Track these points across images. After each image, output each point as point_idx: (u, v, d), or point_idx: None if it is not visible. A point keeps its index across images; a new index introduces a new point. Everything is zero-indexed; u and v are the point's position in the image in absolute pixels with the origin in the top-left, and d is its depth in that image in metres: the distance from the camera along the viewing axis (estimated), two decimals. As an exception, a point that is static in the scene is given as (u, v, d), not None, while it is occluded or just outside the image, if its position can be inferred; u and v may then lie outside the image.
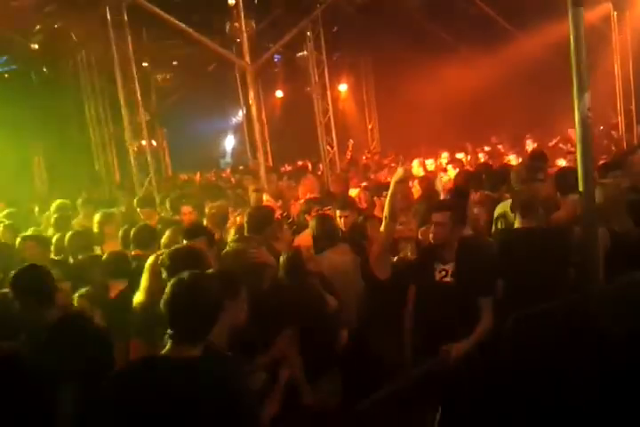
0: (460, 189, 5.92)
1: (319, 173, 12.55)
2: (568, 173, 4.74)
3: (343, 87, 17.69)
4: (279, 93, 17.75)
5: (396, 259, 4.66)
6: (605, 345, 2.29)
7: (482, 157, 10.62)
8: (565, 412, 2.37)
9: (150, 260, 3.74)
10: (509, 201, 4.80)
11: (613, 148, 10.24)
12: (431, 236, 3.70)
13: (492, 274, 3.71)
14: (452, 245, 3.64)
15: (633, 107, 12.76)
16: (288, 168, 14.03)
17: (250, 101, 10.82)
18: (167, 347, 2.33)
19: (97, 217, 6.32)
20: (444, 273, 3.62)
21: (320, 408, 3.30)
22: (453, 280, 3.57)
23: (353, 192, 8.07)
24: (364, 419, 2.91)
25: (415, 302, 3.81)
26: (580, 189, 3.15)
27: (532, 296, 3.70)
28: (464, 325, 3.49)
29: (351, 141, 16.33)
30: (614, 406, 2.28)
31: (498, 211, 5.12)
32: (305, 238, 5.17)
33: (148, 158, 10.93)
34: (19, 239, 5.66)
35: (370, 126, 19.13)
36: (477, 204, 5.57)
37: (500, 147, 11.49)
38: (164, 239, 4.85)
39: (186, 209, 6.85)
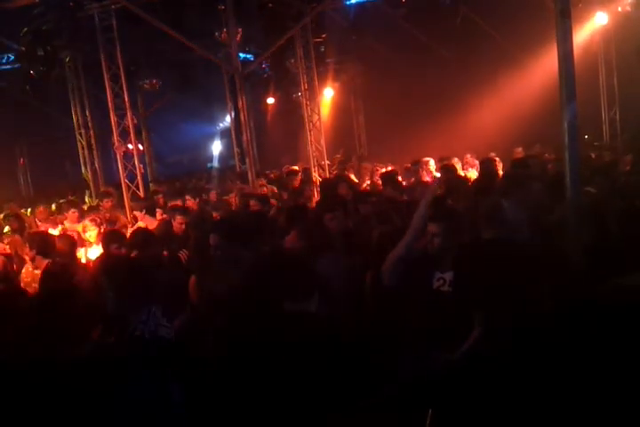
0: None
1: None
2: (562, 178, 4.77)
3: (331, 93, 17.75)
4: (269, 100, 17.76)
5: None
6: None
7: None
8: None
9: None
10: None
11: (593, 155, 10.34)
12: (429, 246, 3.68)
13: (490, 284, 3.71)
14: (451, 254, 3.64)
15: (617, 116, 12.96)
16: (272, 174, 13.96)
17: (239, 107, 10.82)
18: None
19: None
20: (442, 282, 3.61)
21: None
22: (451, 289, 3.57)
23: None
24: (357, 420, 2.92)
25: (413, 310, 3.79)
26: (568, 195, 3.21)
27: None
28: (461, 334, 3.48)
29: (339, 154, 16.33)
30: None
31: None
32: (290, 240, 5.18)
33: (136, 163, 10.89)
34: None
35: (358, 133, 19.21)
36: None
37: (492, 154, 11.57)
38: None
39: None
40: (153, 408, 3.08)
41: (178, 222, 6.65)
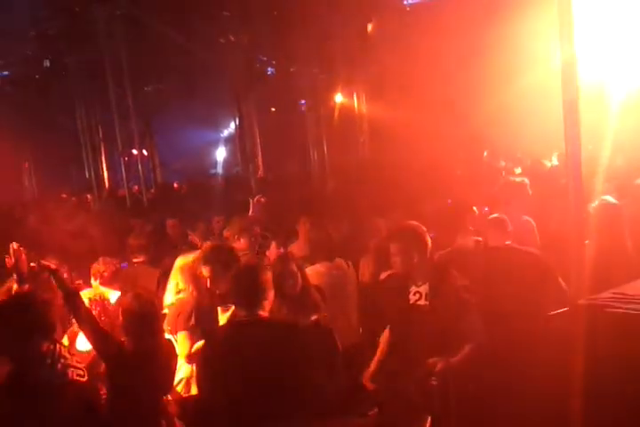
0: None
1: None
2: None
3: (335, 100, 17.76)
4: (272, 106, 17.77)
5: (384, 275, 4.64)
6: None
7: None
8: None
9: (182, 263, 3.94)
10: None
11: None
12: (394, 265, 3.70)
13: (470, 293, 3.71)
14: (424, 267, 3.64)
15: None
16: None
17: (243, 113, 10.86)
18: None
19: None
20: (417, 296, 3.60)
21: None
22: (429, 303, 3.57)
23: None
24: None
25: (391, 325, 3.79)
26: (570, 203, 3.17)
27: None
28: (443, 347, 3.44)
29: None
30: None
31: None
32: (298, 248, 5.17)
33: (140, 168, 10.91)
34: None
35: (362, 140, 19.17)
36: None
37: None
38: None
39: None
40: None
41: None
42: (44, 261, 3.25)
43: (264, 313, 3.04)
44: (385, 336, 3.83)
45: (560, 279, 4.04)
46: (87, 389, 2.87)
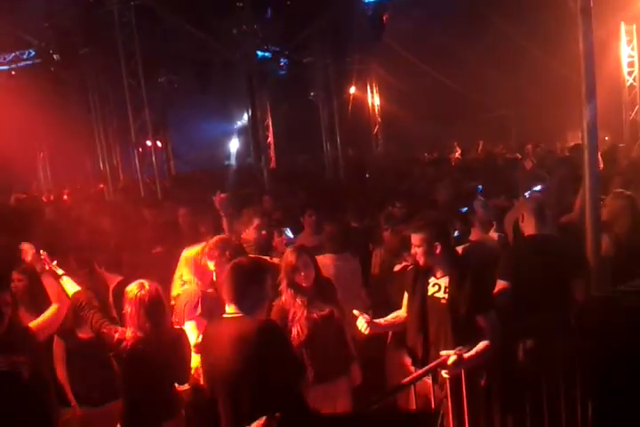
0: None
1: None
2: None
3: (348, 91, 17.71)
4: (285, 97, 17.74)
5: (399, 267, 4.63)
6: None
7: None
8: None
9: (188, 254, 4.00)
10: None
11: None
12: (415, 257, 3.61)
13: (489, 288, 3.68)
14: (445, 259, 3.55)
15: (638, 117, 12.78)
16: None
17: (255, 104, 10.85)
18: None
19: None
20: (436, 287, 3.56)
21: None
22: (447, 296, 3.49)
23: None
24: (367, 422, 2.91)
25: (409, 314, 3.73)
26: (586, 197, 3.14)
27: (537, 305, 3.73)
28: (458, 341, 3.43)
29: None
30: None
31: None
32: (305, 239, 5.18)
33: (153, 159, 10.93)
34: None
35: (375, 130, 19.14)
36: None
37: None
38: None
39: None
40: None
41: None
42: (52, 266, 3.58)
43: (253, 310, 3.02)
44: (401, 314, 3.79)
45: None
46: (26, 378, 2.95)
